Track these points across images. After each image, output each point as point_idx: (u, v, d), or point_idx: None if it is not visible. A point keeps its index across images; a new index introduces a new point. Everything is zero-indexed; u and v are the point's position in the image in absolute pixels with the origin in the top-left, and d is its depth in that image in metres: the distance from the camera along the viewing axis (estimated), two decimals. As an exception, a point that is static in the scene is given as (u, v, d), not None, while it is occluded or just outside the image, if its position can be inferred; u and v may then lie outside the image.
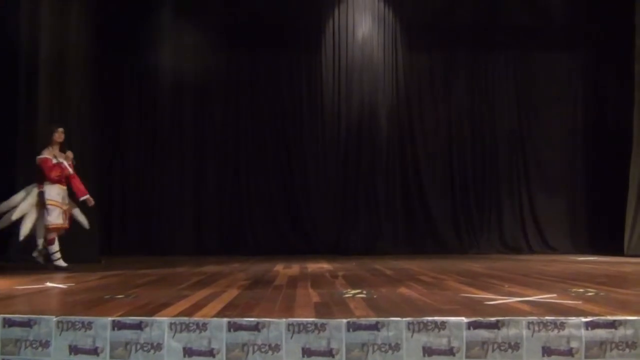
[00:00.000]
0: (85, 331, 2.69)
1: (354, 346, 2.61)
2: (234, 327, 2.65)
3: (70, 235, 6.82)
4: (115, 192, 9.81)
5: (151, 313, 2.91)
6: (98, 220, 7.66)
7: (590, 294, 3.72)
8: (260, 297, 3.67)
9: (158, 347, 2.65)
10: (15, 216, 6.01)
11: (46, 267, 6.13)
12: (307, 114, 10.23)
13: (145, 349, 2.66)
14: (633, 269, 6.26)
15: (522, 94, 10.34)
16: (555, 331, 2.62)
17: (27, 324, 2.73)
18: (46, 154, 6.19)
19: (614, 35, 9.48)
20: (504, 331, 2.62)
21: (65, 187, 6.30)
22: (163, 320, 2.70)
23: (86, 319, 2.73)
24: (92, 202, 6.46)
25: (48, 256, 6.21)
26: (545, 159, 10.30)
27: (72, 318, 2.74)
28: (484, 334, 2.61)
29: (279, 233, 9.92)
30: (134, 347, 2.66)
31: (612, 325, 2.63)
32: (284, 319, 2.66)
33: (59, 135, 6.29)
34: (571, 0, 10.19)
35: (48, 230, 6.13)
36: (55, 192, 6.16)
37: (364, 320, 2.66)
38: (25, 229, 6.02)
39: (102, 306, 3.24)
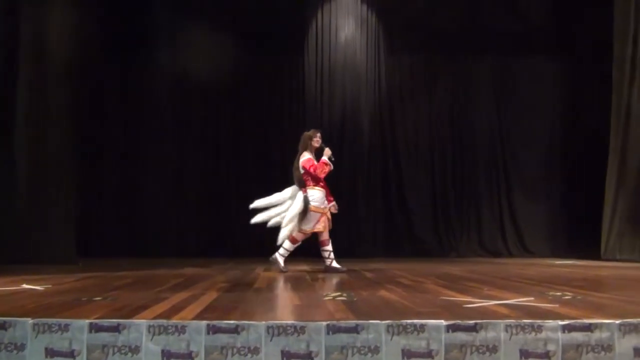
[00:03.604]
0: (62, 334, 2.66)
1: (334, 349, 2.61)
2: (213, 330, 2.64)
3: (48, 236, 6.74)
4: (94, 193, 9.70)
5: (129, 315, 2.88)
6: (76, 221, 7.57)
7: (567, 297, 3.76)
8: (240, 299, 3.66)
9: (136, 349, 2.62)
10: (285, 224, 5.99)
11: (284, 270, 6.05)
12: (289, 115, 10.22)
13: (122, 351, 2.63)
14: (609, 272, 6.35)
15: (502, 98, 10.46)
16: (533, 334, 2.64)
17: (2, 327, 2.69)
18: (308, 155, 6.18)
19: (594, 41, 9.62)
20: (482, 334, 2.64)
21: (324, 189, 6.22)
22: (141, 322, 2.67)
23: (63, 321, 2.69)
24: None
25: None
26: (525, 163, 10.42)
27: (49, 320, 2.70)
28: (462, 336, 2.63)
29: (259, 235, 9.86)
30: (111, 350, 2.63)
31: (589, 328, 2.66)
32: (264, 322, 2.65)
33: (318, 140, 6.28)
34: (551, 5, 10.34)
35: (320, 233, 6.13)
36: (317, 197, 6.10)
37: (343, 323, 2.66)
38: (284, 237, 6.02)
39: (79, 308, 3.20)
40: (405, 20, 10.25)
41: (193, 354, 2.61)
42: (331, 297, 3.75)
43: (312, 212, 6.05)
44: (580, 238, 9.57)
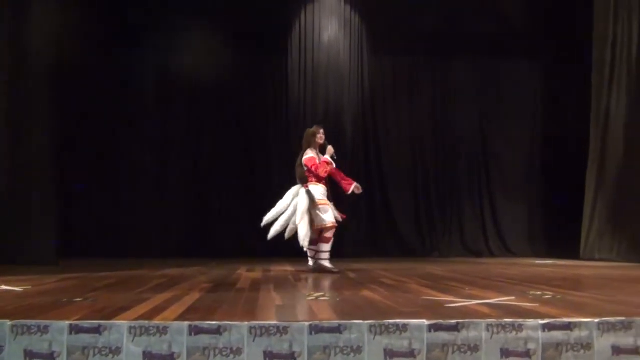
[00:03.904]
0: (41, 335, 2.62)
1: (316, 349, 2.61)
2: (195, 331, 2.62)
3: (27, 237, 6.65)
4: (74, 193, 9.59)
5: (110, 317, 2.85)
6: (56, 221, 7.48)
7: (547, 296, 3.80)
8: (223, 300, 3.64)
9: (117, 351, 2.60)
10: (299, 221, 5.88)
11: (335, 271, 5.96)
12: (272, 116, 10.22)
13: (103, 353, 2.60)
14: (588, 272, 6.44)
15: (484, 99, 10.55)
16: (514, 333, 2.67)
17: (-20, 329, 2.65)
18: (311, 154, 6.13)
19: (574, 44, 9.74)
20: (464, 333, 2.65)
21: (326, 187, 6.17)
22: (122, 324, 2.65)
23: (42, 322, 2.66)
24: (360, 189, 6.32)
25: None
26: (506, 164, 10.52)
27: (28, 322, 2.66)
28: (444, 336, 2.65)
29: (242, 236, 9.86)
30: (92, 352, 2.60)
31: (568, 327, 2.70)
32: (246, 322, 2.64)
33: (321, 136, 6.23)
34: (532, 9, 10.45)
35: (326, 229, 5.99)
36: (320, 192, 6.05)
37: (326, 323, 2.66)
38: (305, 237, 5.88)
39: (59, 310, 3.16)
40: (389, 22, 10.30)
41: (175, 355, 2.59)
42: (314, 297, 3.75)
43: (320, 206, 6.00)
44: (561, 238, 9.69)
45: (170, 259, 8.55)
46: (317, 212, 5.98)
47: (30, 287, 4.47)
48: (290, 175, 10.00)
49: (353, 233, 9.97)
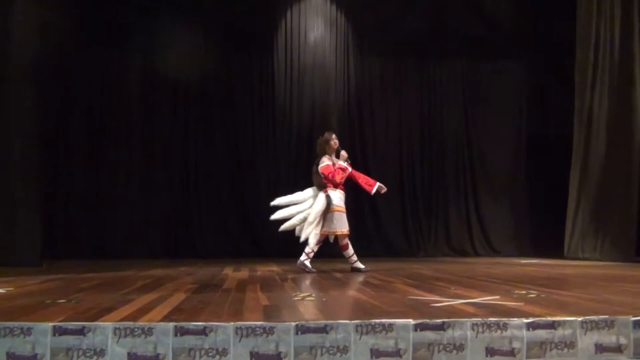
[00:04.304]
0: (24, 337, 2.59)
1: (303, 349, 2.61)
2: (180, 332, 2.61)
3: (11, 237, 6.57)
4: (59, 193, 9.51)
5: (94, 318, 2.83)
6: (41, 222, 7.41)
7: (532, 295, 3.83)
8: (208, 300, 3.63)
9: (101, 353, 2.58)
10: (312, 220, 5.98)
11: (312, 271, 6.02)
12: (258, 116, 10.20)
13: (87, 355, 2.58)
14: (572, 271, 6.50)
15: (470, 100, 10.62)
16: (499, 332, 2.69)
17: (-38, 331, 2.61)
18: (327, 161, 6.16)
19: (558, 44, 9.84)
20: (449, 332, 2.67)
21: (344, 192, 6.21)
22: (107, 325, 2.63)
23: (25, 324, 2.63)
24: (384, 188, 6.38)
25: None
26: (491, 164, 10.60)
27: (10, 324, 2.63)
28: (430, 335, 2.66)
29: (228, 236, 9.83)
30: (75, 354, 2.58)
31: (552, 325, 2.72)
32: (232, 323, 2.63)
33: (335, 142, 6.28)
34: (518, 11, 10.53)
35: (342, 236, 6.11)
36: (338, 197, 6.11)
37: (312, 323, 2.66)
38: (312, 237, 5.99)
39: (42, 311, 3.13)
40: (375, 23, 10.33)
41: (160, 357, 2.58)
42: (300, 298, 3.75)
43: (335, 213, 6.08)
44: (545, 238, 9.78)
45: (156, 259, 8.51)
46: (331, 218, 6.09)
47: (13, 288, 4.42)
48: (276, 174, 10.05)
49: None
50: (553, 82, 10.17)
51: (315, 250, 6.15)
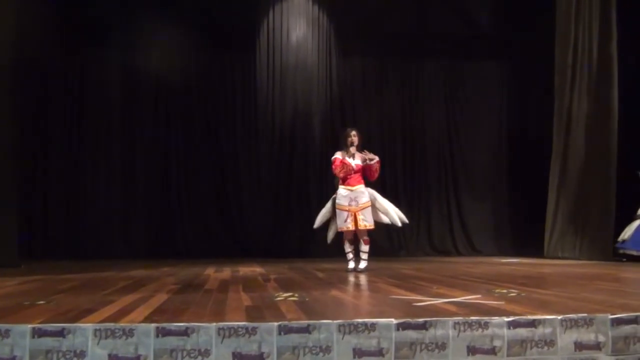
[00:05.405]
0: (3, 339, 2.55)
1: (285, 349, 2.60)
2: (162, 333, 2.59)
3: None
4: (38, 193, 9.39)
5: (74, 319, 2.79)
6: (18, 222, 7.31)
7: (512, 294, 3.87)
8: (190, 301, 3.60)
9: (81, 354, 2.55)
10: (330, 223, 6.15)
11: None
12: (240, 115, 10.16)
13: (67, 357, 2.54)
14: (552, 270, 6.58)
15: (451, 100, 10.70)
16: (480, 331, 2.71)
17: (-62, 333, 2.56)
18: (337, 154, 6.18)
19: (538, 46, 9.94)
20: (431, 332, 2.68)
21: (353, 188, 6.14)
22: (87, 326, 2.60)
23: (3, 326, 2.59)
24: (368, 154, 6.27)
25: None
26: (472, 164, 10.69)
27: (-12, 326, 2.59)
28: (412, 334, 2.67)
29: (210, 236, 9.78)
30: (55, 356, 2.54)
31: (532, 324, 2.75)
32: (214, 324, 2.62)
33: (352, 139, 6.20)
34: (498, 12, 10.63)
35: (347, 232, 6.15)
36: (341, 195, 6.11)
37: (295, 323, 2.65)
38: (331, 234, 6.22)
39: (21, 313, 3.08)
40: (357, 23, 10.35)
41: (142, 358, 2.55)
42: (283, 298, 3.74)
43: (337, 210, 6.15)
44: (525, 237, 9.88)
45: (137, 260, 8.44)
46: (336, 216, 6.18)
47: (-10, 290, 4.35)
48: (258, 174, 10.02)
49: (322, 233, 9.96)
50: (533, 82, 10.27)
51: (348, 250, 6.29)
